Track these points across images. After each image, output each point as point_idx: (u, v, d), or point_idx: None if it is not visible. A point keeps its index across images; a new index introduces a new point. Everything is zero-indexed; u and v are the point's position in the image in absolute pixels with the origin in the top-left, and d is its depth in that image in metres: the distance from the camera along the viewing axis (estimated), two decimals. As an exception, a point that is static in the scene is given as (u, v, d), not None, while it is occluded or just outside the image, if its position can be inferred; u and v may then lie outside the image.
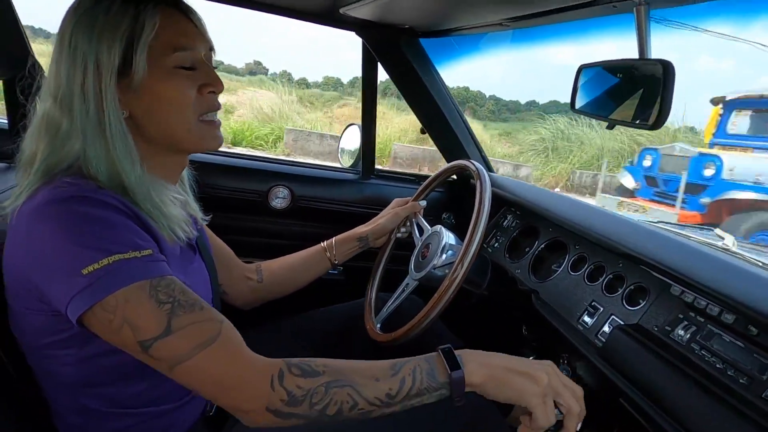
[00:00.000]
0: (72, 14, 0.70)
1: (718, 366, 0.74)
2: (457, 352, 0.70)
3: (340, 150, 1.84)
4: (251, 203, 1.54)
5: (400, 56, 1.45)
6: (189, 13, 0.75)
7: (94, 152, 0.69)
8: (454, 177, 1.63)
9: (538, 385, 0.68)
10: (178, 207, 0.78)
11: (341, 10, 1.17)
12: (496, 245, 1.39)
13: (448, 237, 1.14)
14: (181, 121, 0.75)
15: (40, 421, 0.75)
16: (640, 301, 0.93)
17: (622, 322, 0.92)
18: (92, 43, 0.68)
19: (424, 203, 1.31)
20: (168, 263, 0.71)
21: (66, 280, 0.60)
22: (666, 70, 0.66)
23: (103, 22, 0.68)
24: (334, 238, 1.22)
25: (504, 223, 1.41)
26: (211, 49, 0.79)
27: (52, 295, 0.62)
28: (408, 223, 1.28)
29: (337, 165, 1.82)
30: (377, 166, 1.69)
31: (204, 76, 0.76)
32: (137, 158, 0.71)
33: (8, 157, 1.07)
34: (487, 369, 0.68)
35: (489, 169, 1.64)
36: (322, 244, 1.21)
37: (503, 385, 0.68)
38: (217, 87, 0.78)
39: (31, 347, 0.71)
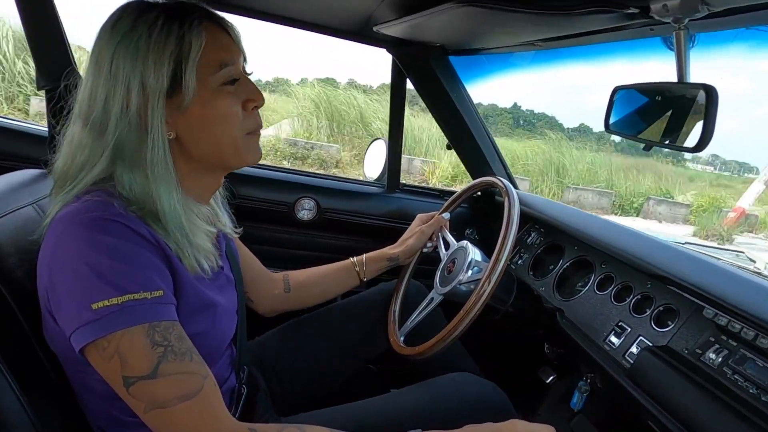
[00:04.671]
0: (109, 36, 0.68)
1: (751, 391, 0.73)
2: None
3: (365, 164, 1.87)
4: (278, 214, 1.56)
5: (429, 73, 1.47)
6: (227, 27, 0.75)
7: (130, 175, 0.69)
8: (479, 193, 1.64)
9: None
10: (206, 239, 0.78)
11: (375, 28, 1.19)
12: (519, 262, 1.39)
13: (474, 253, 1.15)
14: (230, 138, 0.75)
15: (79, 428, 0.77)
16: (669, 322, 0.92)
17: (650, 344, 0.91)
18: (137, 66, 0.66)
19: (448, 216, 1.31)
20: (192, 279, 0.73)
21: (75, 310, 0.62)
22: (709, 94, 0.67)
23: (147, 44, 0.66)
24: (364, 255, 1.22)
25: (528, 240, 1.41)
26: (245, 60, 0.78)
27: (61, 319, 0.64)
28: (434, 238, 1.29)
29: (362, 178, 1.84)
30: (403, 181, 1.71)
31: (247, 91, 0.76)
32: (175, 183, 0.71)
33: (48, 164, 1.11)
34: None
35: (514, 185, 1.65)
36: (351, 259, 1.21)
37: None
38: (259, 101, 0.77)
39: (65, 358, 0.72)
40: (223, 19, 0.75)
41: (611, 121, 0.88)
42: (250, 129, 0.77)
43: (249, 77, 0.78)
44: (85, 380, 0.72)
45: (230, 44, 0.74)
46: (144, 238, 0.67)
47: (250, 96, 0.76)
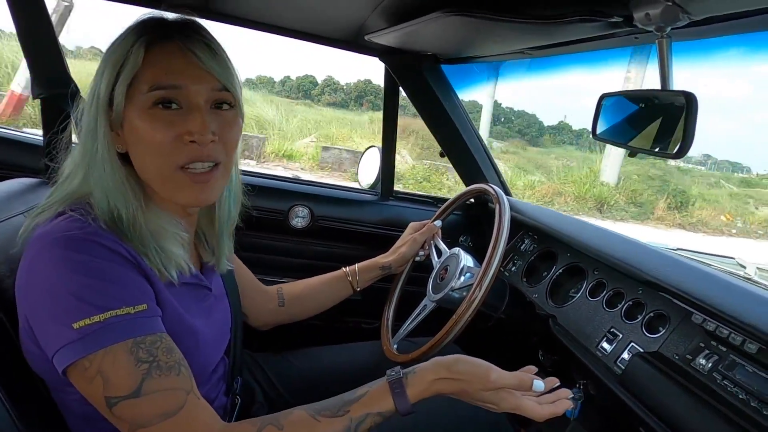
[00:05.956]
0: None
1: (740, 396, 0.73)
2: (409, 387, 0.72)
3: (359, 171, 1.87)
4: (272, 222, 1.56)
5: (421, 81, 1.48)
6: (192, 52, 0.68)
7: (94, 183, 0.69)
8: (472, 200, 1.64)
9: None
10: (178, 244, 0.75)
11: (366, 37, 1.20)
12: (513, 269, 1.39)
13: (467, 259, 1.15)
14: (156, 167, 0.70)
15: None
16: (660, 328, 0.92)
17: (641, 350, 0.91)
18: (98, 74, 0.68)
19: (439, 224, 1.32)
20: (171, 299, 0.71)
21: (56, 331, 0.61)
22: (689, 101, 0.68)
23: (109, 54, 0.68)
24: (357, 265, 1.22)
25: (521, 247, 1.42)
26: (222, 89, 0.71)
27: (42, 340, 0.63)
28: (426, 246, 1.30)
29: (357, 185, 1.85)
30: (396, 188, 1.71)
31: (187, 122, 0.68)
32: (132, 195, 0.70)
33: (42, 172, 1.11)
34: (433, 387, 0.72)
35: (507, 192, 1.65)
36: (344, 269, 1.21)
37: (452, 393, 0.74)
38: (199, 137, 0.68)
39: (46, 379, 0.72)
40: (196, 42, 0.70)
41: (598, 128, 0.88)
42: (182, 163, 0.69)
43: (210, 109, 0.70)
44: (66, 401, 0.72)
45: (183, 68, 0.68)
46: (121, 256, 0.66)
47: (190, 128, 0.68)
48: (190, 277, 0.78)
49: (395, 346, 1.15)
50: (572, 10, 0.75)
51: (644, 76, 8.38)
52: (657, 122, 0.79)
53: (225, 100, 0.72)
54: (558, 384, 0.77)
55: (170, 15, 0.74)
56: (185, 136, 0.68)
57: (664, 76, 0.73)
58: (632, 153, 0.80)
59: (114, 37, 0.70)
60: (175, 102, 0.68)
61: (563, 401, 0.75)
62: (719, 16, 0.66)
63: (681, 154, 0.69)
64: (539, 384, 0.74)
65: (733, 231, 9.62)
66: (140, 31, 0.69)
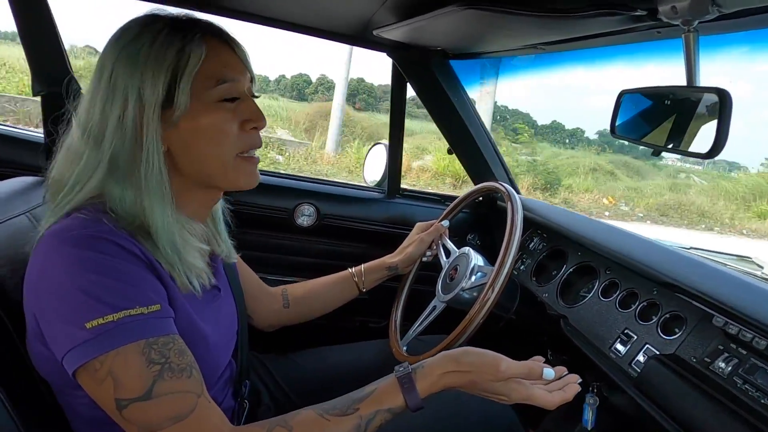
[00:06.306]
0: (113, 47, 0.68)
1: (762, 401, 0.72)
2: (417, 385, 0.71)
3: (364, 168, 1.85)
4: (277, 220, 1.54)
5: (429, 77, 1.46)
6: (233, 44, 0.74)
7: (121, 188, 0.67)
8: (480, 198, 1.62)
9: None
10: (198, 256, 0.75)
11: (374, 32, 1.18)
12: (522, 268, 1.37)
13: (477, 259, 1.13)
14: (219, 156, 0.73)
15: None
16: (676, 330, 0.90)
17: (657, 352, 0.90)
18: (135, 76, 0.66)
19: (447, 224, 1.30)
20: (184, 303, 0.70)
21: (68, 330, 0.59)
22: (722, 98, 0.65)
23: (147, 55, 0.66)
24: (363, 266, 1.20)
25: (530, 246, 1.40)
26: (252, 80, 0.77)
27: (52, 341, 0.61)
28: (434, 246, 1.27)
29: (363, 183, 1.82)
30: (403, 186, 1.69)
31: (247, 111, 0.74)
32: (169, 198, 0.70)
33: (43, 169, 1.09)
34: (442, 381, 0.71)
35: (516, 190, 1.63)
36: (350, 270, 1.19)
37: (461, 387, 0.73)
38: (260, 123, 0.75)
39: (52, 381, 0.70)
40: (230, 36, 0.74)
41: (617, 124, 0.86)
42: (243, 149, 0.75)
43: (253, 99, 0.77)
44: (72, 404, 0.70)
45: (234, 62, 0.73)
46: (134, 255, 0.64)
47: (250, 116, 0.74)
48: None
49: (404, 348, 1.13)
50: (592, 3, 0.72)
51: (496, 88, 8.55)
52: (677, 119, 0.77)
53: (252, 90, 0.77)
54: (566, 372, 0.77)
55: (173, 9, 0.74)
56: (247, 124, 0.74)
57: (691, 72, 0.70)
58: (656, 152, 0.78)
59: (124, 37, 0.68)
60: (235, 94, 0.73)
61: (572, 385, 0.75)
62: (751, 9, 0.63)
63: (713, 153, 0.66)
64: (549, 372, 0.73)
65: (606, 213, 9.58)
66: (182, 27, 0.69)
